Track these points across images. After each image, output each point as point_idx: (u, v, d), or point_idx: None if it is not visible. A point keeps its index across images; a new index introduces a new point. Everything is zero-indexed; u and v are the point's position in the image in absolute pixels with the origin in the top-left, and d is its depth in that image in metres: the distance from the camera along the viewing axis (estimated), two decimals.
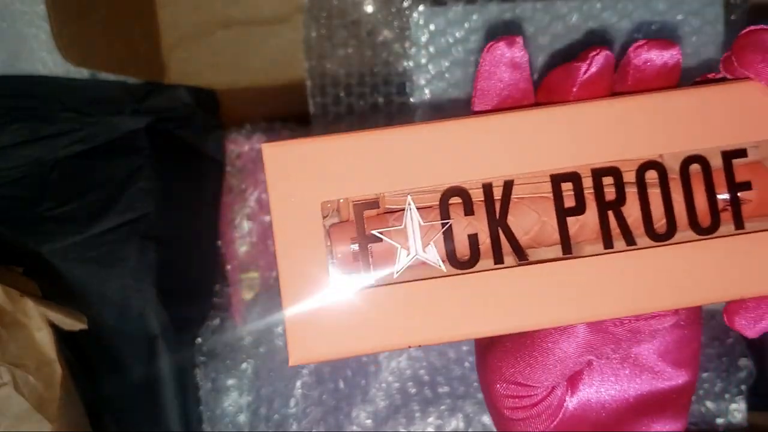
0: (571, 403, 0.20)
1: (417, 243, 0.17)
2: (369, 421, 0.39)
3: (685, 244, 0.18)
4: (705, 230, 0.18)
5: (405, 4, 0.37)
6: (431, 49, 0.36)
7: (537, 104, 0.19)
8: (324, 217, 0.17)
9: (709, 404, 0.39)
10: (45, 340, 0.29)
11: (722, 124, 0.18)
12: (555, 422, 0.20)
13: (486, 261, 0.18)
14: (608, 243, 0.18)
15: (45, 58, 0.36)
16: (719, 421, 0.39)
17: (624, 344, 0.19)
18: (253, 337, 0.40)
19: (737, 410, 0.39)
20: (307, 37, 0.38)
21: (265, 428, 0.40)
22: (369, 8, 0.37)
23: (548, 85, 0.19)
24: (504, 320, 0.17)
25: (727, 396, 0.39)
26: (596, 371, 0.21)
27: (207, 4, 0.41)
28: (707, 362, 0.39)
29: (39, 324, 0.29)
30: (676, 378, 0.21)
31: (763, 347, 0.39)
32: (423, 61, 0.36)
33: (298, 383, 0.40)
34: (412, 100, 0.37)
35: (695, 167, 0.18)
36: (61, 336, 0.31)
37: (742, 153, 0.18)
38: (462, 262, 0.17)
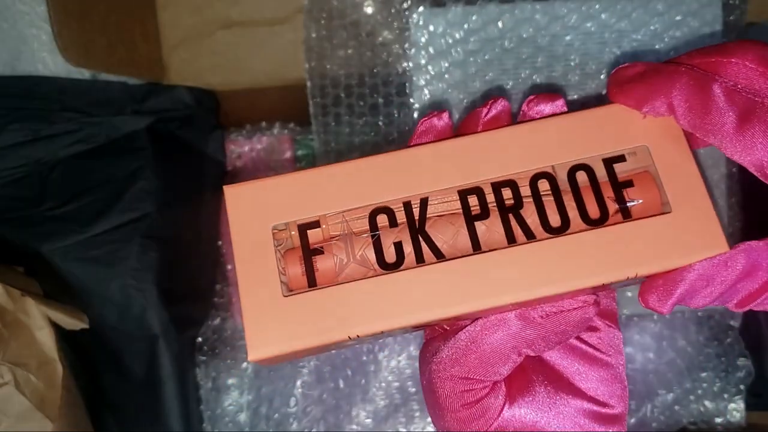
0: (508, 412, 0.22)
1: (352, 252, 0.21)
2: (369, 420, 0.39)
3: (578, 234, 0.20)
4: (595, 221, 0.21)
5: (404, 6, 0.37)
6: (430, 49, 0.36)
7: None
8: (278, 246, 0.21)
9: (708, 404, 0.39)
10: (46, 339, 0.30)
11: (599, 137, 0.21)
12: (493, 425, 0.22)
13: (410, 263, 0.21)
14: (511, 239, 0.21)
15: (46, 58, 0.36)
16: (718, 420, 0.39)
17: (553, 337, 0.21)
18: None
19: (736, 410, 0.39)
20: (306, 38, 0.38)
21: (265, 427, 0.40)
22: (369, 9, 0.37)
23: (461, 128, 0.23)
24: (428, 309, 0.20)
25: (725, 396, 0.39)
26: (540, 397, 0.23)
27: (207, 5, 0.41)
28: (706, 362, 0.39)
29: (40, 323, 0.30)
30: (610, 408, 0.23)
31: (762, 347, 0.39)
32: (422, 61, 0.36)
33: (298, 382, 0.40)
34: (411, 100, 0.37)
35: (581, 174, 0.21)
36: (62, 335, 0.31)
37: (621, 158, 0.21)
38: (389, 264, 0.21)
